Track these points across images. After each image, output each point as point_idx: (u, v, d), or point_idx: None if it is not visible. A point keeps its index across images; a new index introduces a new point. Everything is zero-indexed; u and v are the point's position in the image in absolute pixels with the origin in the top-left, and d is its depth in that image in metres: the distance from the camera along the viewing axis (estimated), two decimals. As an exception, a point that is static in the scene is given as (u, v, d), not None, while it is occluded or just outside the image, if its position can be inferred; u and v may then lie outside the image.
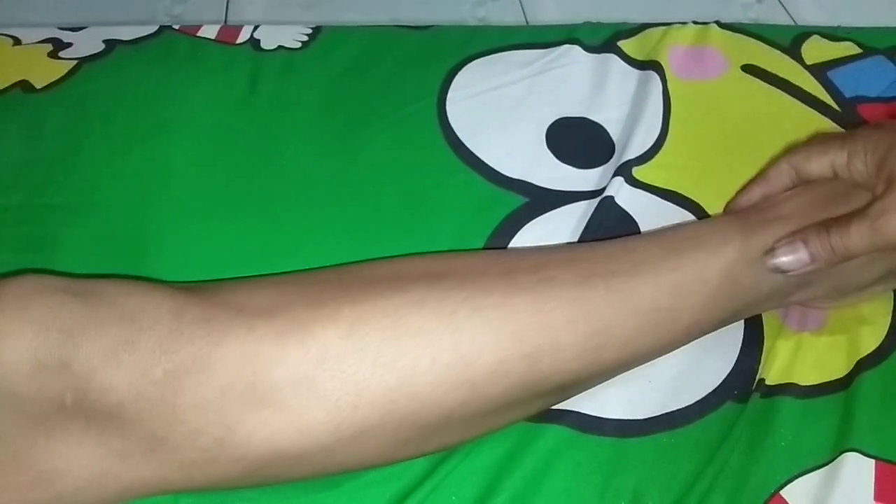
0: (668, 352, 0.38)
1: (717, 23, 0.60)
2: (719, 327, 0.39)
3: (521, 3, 1.01)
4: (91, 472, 0.29)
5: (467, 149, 0.49)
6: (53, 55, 0.52)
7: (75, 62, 0.51)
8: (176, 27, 0.55)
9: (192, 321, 0.30)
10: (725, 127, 0.52)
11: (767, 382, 0.39)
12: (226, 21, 0.90)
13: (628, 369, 0.38)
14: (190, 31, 0.55)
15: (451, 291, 0.33)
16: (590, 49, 0.57)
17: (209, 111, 0.49)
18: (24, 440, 0.28)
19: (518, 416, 0.36)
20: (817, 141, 0.39)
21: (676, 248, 0.37)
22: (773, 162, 0.41)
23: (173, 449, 0.30)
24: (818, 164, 0.38)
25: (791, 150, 0.40)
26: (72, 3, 0.89)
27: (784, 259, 0.36)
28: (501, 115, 0.52)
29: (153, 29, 0.55)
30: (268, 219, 0.43)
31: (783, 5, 1.07)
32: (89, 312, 0.29)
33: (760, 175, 0.41)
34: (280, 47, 0.54)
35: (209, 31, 0.55)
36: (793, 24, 1.04)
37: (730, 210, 0.42)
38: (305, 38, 0.56)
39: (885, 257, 0.38)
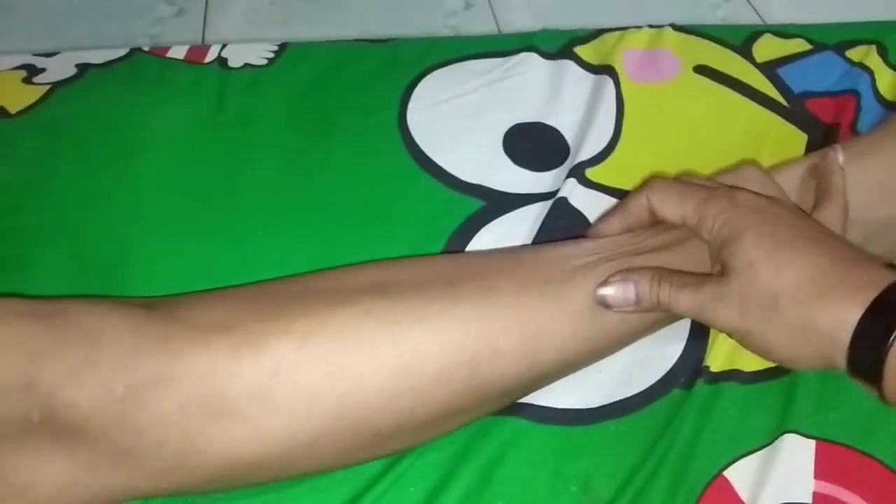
0: (607, 355, 0.40)
1: (672, 25, 0.62)
2: (655, 330, 0.41)
3: (492, 11, 1.03)
4: (61, 483, 0.31)
5: (427, 156, 0.51)
6: (27, 80, 0.53)
7: (48, 87, 0.53)
8: (146, 49, 0.57)
9: (151, 339, 0.32)
10: (677, 127, 0.54)
11: (712, 369, 0.41)
12: (203, 40, 0.92)
13: (571, 371, 0.39)
14: (159, 53, 0.57)
15: (396, 302, 0.35)
16: (546, 56, 0.59)
17: (177, 131, 0.51)
18: None
19: (468, 421, 0.38)
20: (679, 187, 0.38)
21: (610, 251, 0.39)
22: (634, 193, 0.40)
23: (138, 460, 0.32)
24: (672, 213, 0.38)
25: (652, 183, 0.39)
26: (51, 28, 0.91)
27: (611, 293, 0.36)
28: (460, 122, 0.54)
29: (124, 52, 0.57)
30: (232, 234, 0.45)
31: (751, 3, 1.09)
32: (52, 334, 0.31)
33: (621, 205, 0.41)
34: (246, 65, 0.56)
35: (178, 52, 0.57)
36: (759, 18, 1.06)
37: (589, 237, 0.42)
38: (272, 55, 0.58)
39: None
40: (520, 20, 1.01)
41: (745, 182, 0.39)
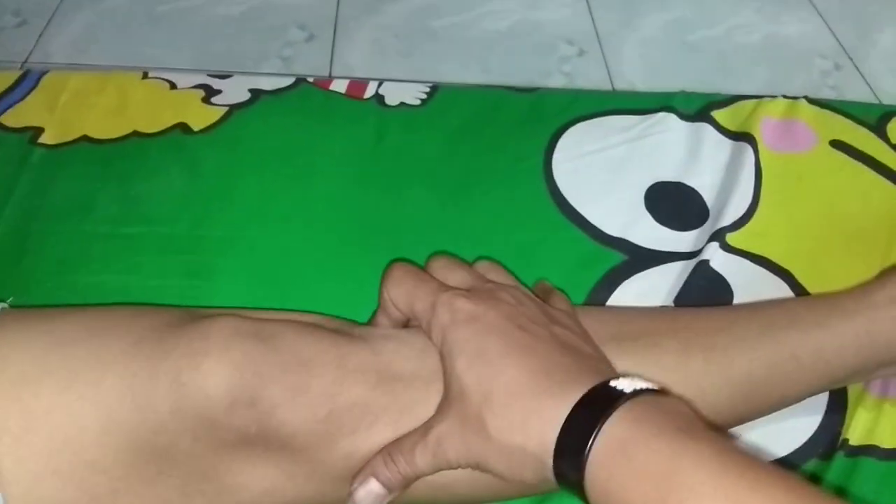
0: (759, 418, 0.42)
1: (807, 98, 0.64)
2: (808, 397, 0.42)
3: (605, 60, 1.06)
4: (264, 487, 0.35)
5: (571, 206, 0.54)
6: (206, 100, 0.58)
7: (227, 108, 0.57)
8: (311, 80, 0.62)
9: (353, 371, 0.35)
10: (815, 199, 0.55)
11: (851, 443, 0.43)
12: (331, 65, 0.97)
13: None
14: (323, 85, 0.61)
15: None
16: (684, 117, 0.61)
17: (343, 160, 0.55)
18: (215, 458, 0.34)
19: None
20: (409, 285, 0.37)
21: (773, 325, 0.40)
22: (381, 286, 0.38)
23: (329, 471, 0.35)
24: (406, 311, 0.37)
25: (389, 272, 0.38)
26: (192, 42, 0.98)
27: (361, 498, 0.34)
28: (603, 176, 0.56)
29: (290, 81, 0.61)
30: (396, 259, 0.49)
31: (861, 73, 1.10)
32: (273, 358, 0.34)
33: (380, 300, 0.39)
34: (402, 104, 0.60)
35: (339, 86, 0.61)
36: (869, 89, 1.07)
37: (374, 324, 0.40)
38: (424, 97, 0.61)
39: None
40: (631, 71, 1.04)
41: (486, 270, 0.39)
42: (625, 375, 0.31)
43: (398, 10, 1.11)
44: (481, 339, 0.33)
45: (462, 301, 0.34)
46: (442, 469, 0.33)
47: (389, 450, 0.34)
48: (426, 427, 0.33)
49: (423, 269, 0.39)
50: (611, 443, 0.28)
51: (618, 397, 0.29)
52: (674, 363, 0.38)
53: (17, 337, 0.34)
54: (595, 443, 0.28)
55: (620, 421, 0.28)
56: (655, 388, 0.30)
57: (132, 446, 0.32)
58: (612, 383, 0.30)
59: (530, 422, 0.30)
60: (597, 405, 0.29)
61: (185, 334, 0.34)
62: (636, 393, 0.29)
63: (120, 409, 0.32)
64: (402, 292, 0.37)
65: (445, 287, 0.36)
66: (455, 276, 0.38)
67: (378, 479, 0.34)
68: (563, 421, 0.29)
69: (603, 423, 0.28)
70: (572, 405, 0.29)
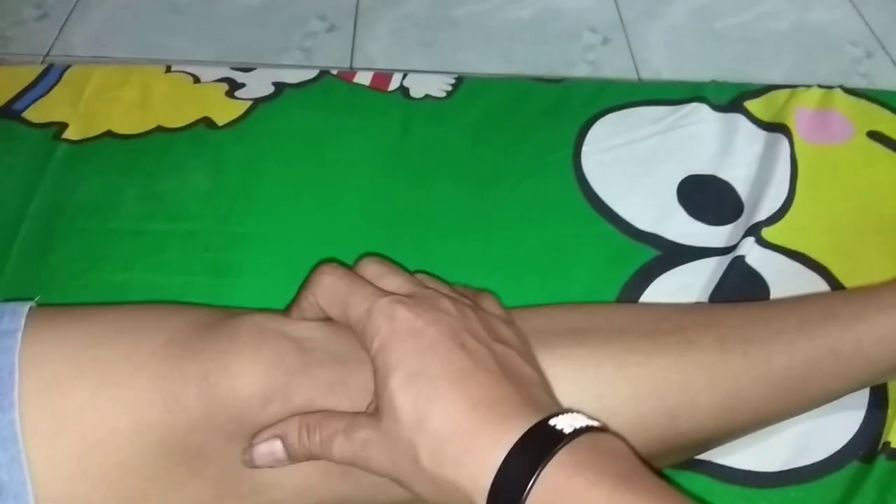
0: (798, 415, 0.41)
1: (842, 87, 0.62)
2: (847, 394, 0.41)
3: (630, 48, 1.04)
4: (297, 485, 0.34)
5: (602, 201, 0.53)
6: (230, 94, 0.58)
7: (251, 102, 0.57)
8: (334, 72, 0.61)
9: None
10: (852, 191, 0.54)
11: (893, 445, 0.41)
12: (352, 55, 0.96)
13: (759, 429, 0.40)
14: (347, 77, 0.60)
15: (597, 347, 0.37)
16: (716, 108, 0.60)
17: (368, 154, 0.54)
18: None
19: (658, 468, 0.39)
20: (345, 289, 0.33)
21: (810, 319, 0.39)
22: (305, 288, 0.35)
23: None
24: (338, 317, 0.33)
25: (320, 279, 0.34)
26: (213, 33, 0.97)
27: (257, 456, 0.32)
28: (634, 169, 0.55)
29: (314, 73, 0.60)
30: (423, 254, 0.48)
31: (893, 60, 1.07)
32: (304, 356, 0.33)
33: (295, 300, 0.36)
34: (427, 96, 0.59)
35: (363, 78, 0.60)
36: (902, 77, 1.04)
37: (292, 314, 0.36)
38: (450, 88, 0.60)
39: None
40: (656, 59, 1.02)
41: (424, 279, 0.37)
42: (564, 411, 0.29)
43: (419, -2, 1.10)
44: (420, 358, 0.31)
45: (402, 310, 0.32)
46: (357, 467, 0.31)
47: (309, 421, 0.32)
48: (356, 421, 0.31)
49: (354, 270, 0.35)
50: (548, 490, 0.27)
51: (557, 439, 0.28)
52: (712, 360, 0.37)
53: (49, 336, 0.34)
54: (531, 490, 0.27)
55: (559, 467, 0.27)
56: (595, 425, 0.29)
57: (163, 447, 0.32)
58: (552, 422, 0.29)
59: (465, 459, 0.29)
60: (535, 448, 0.28)
61: (213, 336, 0.33)
62: (576, 432, 0.28)
63: (151, 411, 0.32)
64: (335, 298, 0.33)
65: (383, 292, 0.33)
66: (391, 281, 0.35)
67: (284, 444, 0.32)
68: (499, 463, 0.28)
69: (541, 470, 0.27)
70: (510, 447, 0.28)
